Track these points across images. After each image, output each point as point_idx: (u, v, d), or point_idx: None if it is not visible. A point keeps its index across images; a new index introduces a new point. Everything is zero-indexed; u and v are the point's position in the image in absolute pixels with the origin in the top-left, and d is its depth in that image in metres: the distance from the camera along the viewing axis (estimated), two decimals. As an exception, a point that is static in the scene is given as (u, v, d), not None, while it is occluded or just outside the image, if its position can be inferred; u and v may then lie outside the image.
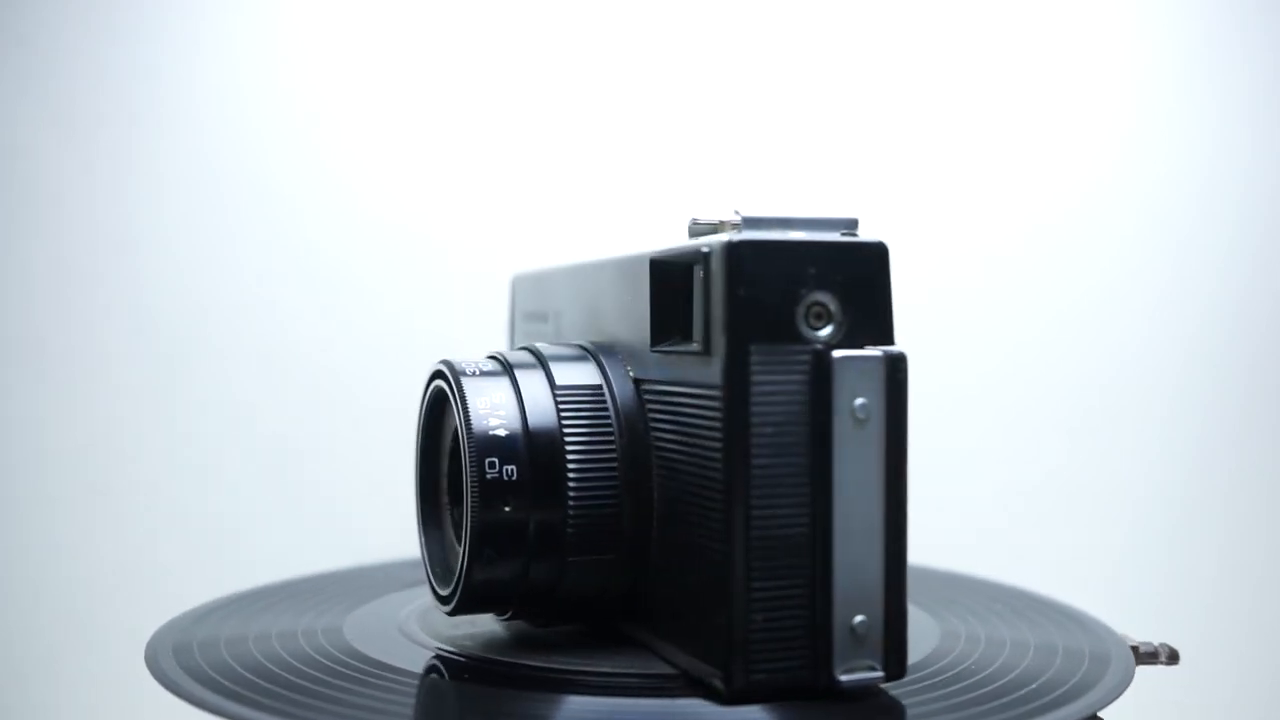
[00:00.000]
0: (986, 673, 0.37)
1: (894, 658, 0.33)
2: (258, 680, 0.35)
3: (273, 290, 0.70)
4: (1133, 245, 0.75)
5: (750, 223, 0.34)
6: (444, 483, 0.41)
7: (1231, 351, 0.76)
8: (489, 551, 0.37)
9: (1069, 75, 0.75)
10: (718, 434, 0.33)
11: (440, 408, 0.41)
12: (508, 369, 0.39)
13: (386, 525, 0.61)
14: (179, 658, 0.38)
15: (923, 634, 0.41)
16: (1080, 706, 0.34)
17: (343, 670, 0.37)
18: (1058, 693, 0.35)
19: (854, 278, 0.33)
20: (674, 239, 0.38)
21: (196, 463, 0.70)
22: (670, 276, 0.36)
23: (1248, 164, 0.76)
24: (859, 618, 0.33)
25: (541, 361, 0.39)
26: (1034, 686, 0.36)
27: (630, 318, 0.39)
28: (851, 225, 0.35)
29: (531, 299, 0.50)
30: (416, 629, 0.42)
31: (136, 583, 0.68)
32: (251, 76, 0.70)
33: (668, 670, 0.36)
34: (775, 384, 0.32)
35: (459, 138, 0.72)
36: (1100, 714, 0.34)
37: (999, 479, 0.74)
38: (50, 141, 0.69)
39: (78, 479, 0.69)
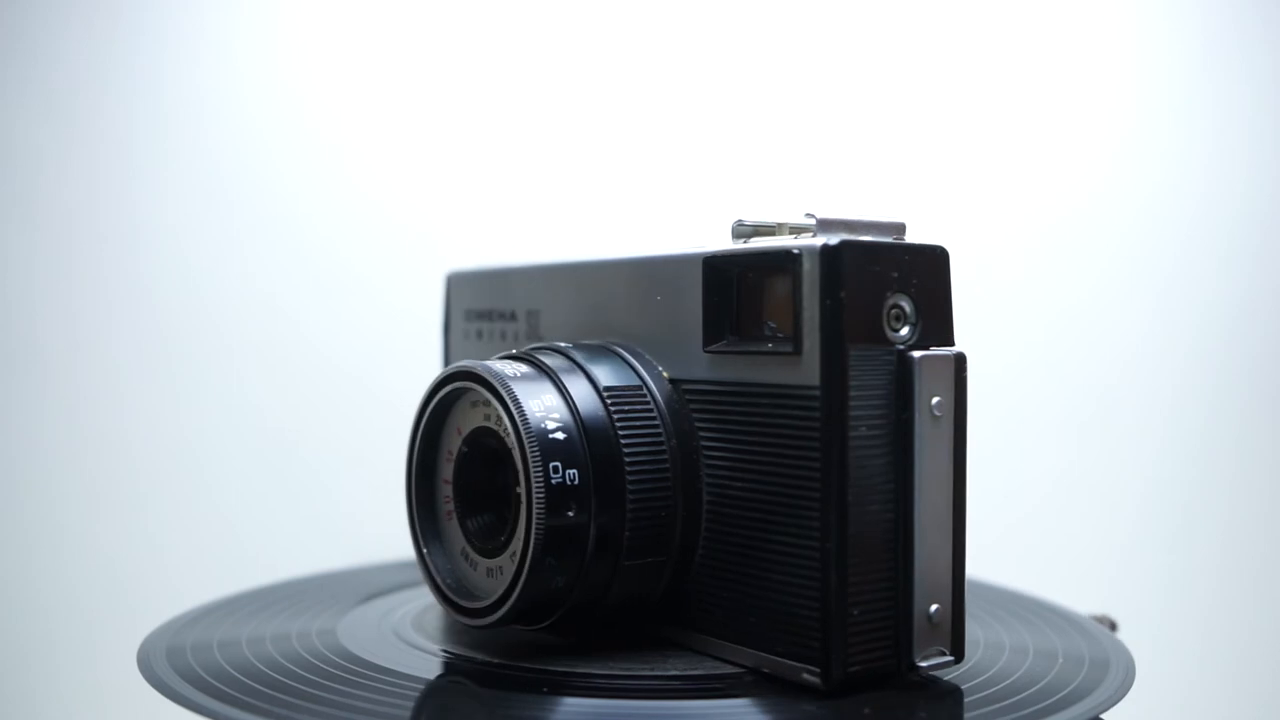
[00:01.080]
0: (985, 676, 0.37)
1: (958, 642, 0.35)
2: (250, 683, 0.35)
3: (274, 289, 0.70)
4: (1133, 245, 0.75)
5: (823, 225, 0.34)
6: (446, 491, 0.40)
7: (1232, 351, 0.76)
8: (551, 560, 0.35)
9: (1070, 76, 0.75)
10: (812, 434, 0.33)
11: (445, 413, 0.39)
12: (547, 371, 0.37)
13: (386, 525, 0.61)
14: (172, 660, 0.37)
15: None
16: (1083, 709, 0.34)
17: (336, 673, 0.36)
18: (1058, 696, 0.35)
19: (925, 280, 0.35)
20: (672, 240, 0.38)
21: (196, 463, 0.70)
22: (726, 277, 0.36)
23: (1248, 164, 0.76)
24: (934, 606, 0.34)
25: (576, 363, 0.38)
26: (1034, 690, 0.36)
27: (656, 317, 0.39)
28: (901, 229, 0.35)
29: (482, 297, 0.48)
30: (411, 632, 0.41)
31: (135, 583, 0.68)
32: (251, 76, 0.70)
33: (719, 670, 0.36)
34: (868, 384, 0.33)
35: (459, 138, 0.72)
36: (1102, 716, 0.34)
37: (999, 479, 0.74)
38: (50, 141, 0.69)
39: (78, 479, 0.69)
